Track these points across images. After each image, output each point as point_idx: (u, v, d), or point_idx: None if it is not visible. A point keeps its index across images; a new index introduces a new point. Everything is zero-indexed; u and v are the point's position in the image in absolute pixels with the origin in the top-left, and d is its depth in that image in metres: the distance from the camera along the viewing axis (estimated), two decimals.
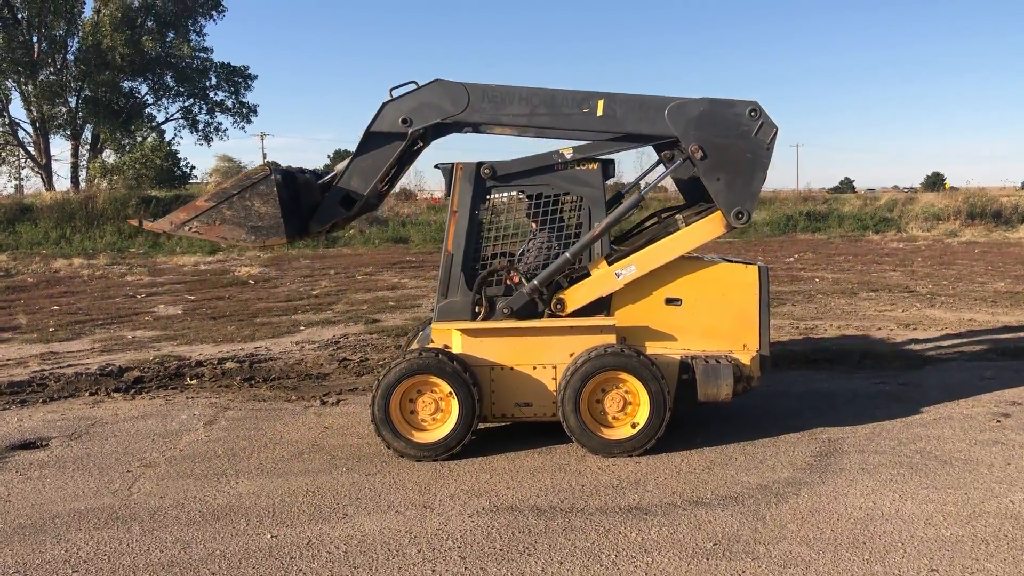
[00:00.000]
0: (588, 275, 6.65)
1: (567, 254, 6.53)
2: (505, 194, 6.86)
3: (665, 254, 6.64)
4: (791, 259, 22.29)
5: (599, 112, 6.64)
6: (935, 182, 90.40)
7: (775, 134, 6.52)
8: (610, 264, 6.62)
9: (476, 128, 6.87)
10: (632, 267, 6.59)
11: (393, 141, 6.69)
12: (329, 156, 59.08)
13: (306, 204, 6.74)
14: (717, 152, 6.52)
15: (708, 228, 6.68)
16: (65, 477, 6.14)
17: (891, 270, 19.49)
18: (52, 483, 6.02)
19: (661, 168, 7.00)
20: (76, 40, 42.04)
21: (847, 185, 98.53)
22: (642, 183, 6.96)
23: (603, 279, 6.60)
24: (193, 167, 44.65)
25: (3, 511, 5.50)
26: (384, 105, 6.64)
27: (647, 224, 7.47)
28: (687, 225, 6.76)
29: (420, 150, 7.17)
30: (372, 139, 6.70)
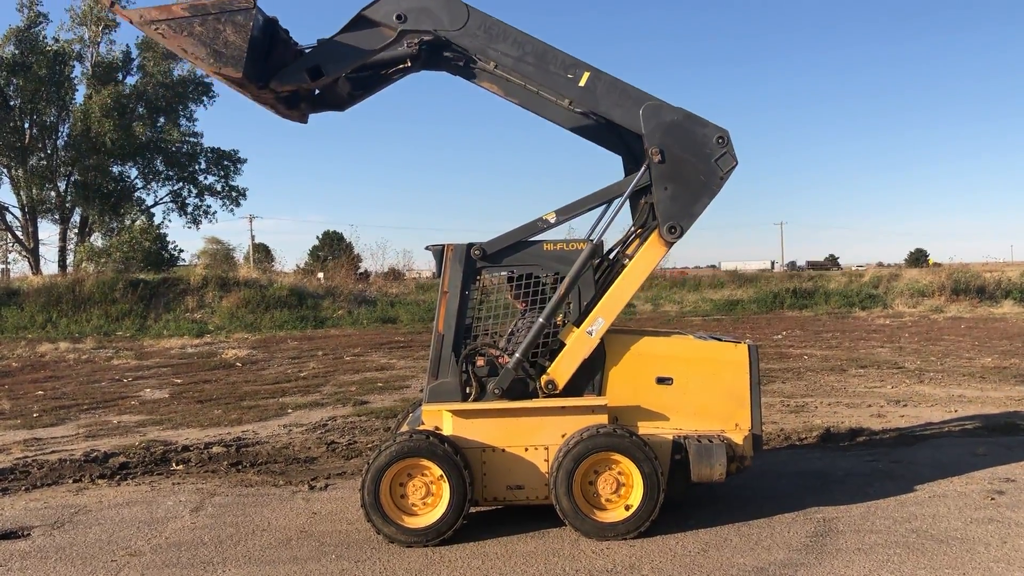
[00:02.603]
0: (564, 346, 6.64)
1: (540, 319, 6.52)
2: (496, 274, 6.89)
3: (623, 295, 6.68)
4: (779, 336, 22.38)
5: (581, 82, 6.71)
6: (918, 258, 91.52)
7: (733, 167, 6.60)
8: (579, 326, 6.62)
9: (464, 67, 6.89)
10: (600, 320, 6.59)
11: (382, 31, 6.64)
12: (318, 237, 59.40)
13: (276, 60, 6.62)
14: (674, 162, 6.58)
15: (650, 254, 6.72)
16: (47, 568, 5.99)
17: (879, 346, 19.59)
18: (33, 575, 5.87)
19: (607, 216, 7.03)
20: (67, 126, 42.54)
21: (832, 262, 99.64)
22: (595, 232, 6.99)
23: (578, 343, 6.58)
24: (181, 250, 44.65)
25: None
26: None
27: (597, 276, 7.36)
28: (630, 260, 6.80)
29: (405, 71, 7.11)
30: (361, 22, 6.65)
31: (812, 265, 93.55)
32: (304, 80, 6.67)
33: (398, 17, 6.60)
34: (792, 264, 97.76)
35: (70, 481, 8.47)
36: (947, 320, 27.34)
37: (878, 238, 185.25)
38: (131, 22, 6.39)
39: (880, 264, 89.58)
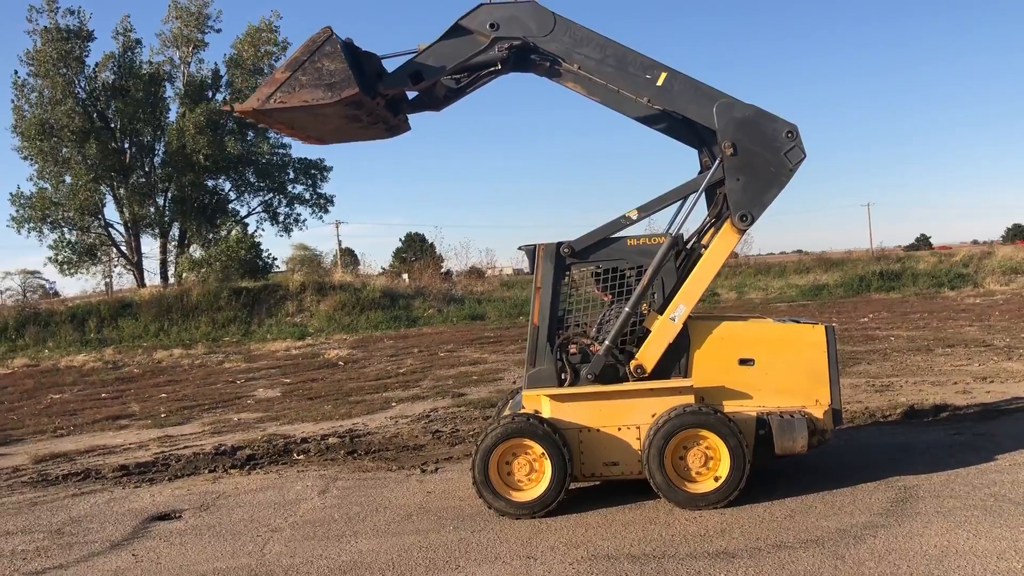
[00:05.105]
0: (649, 332, 7.18)
1: (626, 308, 7.08)
2: (587, 269, 7.47)
3: (702, 281, 7.18)
4: (865, 319, 22.37)
5: (659, 82, 7.24)
6: (1016, 234, 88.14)
7: (801, 160, 7.07)
8: (662, 313, 7.15)
9: (550, 69, 7.38)
10: (681, 306, 7.10)
11: (476, 38, 7.28)
12: (400, 239, 60.85)
13: (369, 71, 7.23)
14: (746, 155, 7.08)
15: (725, 241, 7.20)
16: (203, 542, 6.84)
17: (967, 325, 19.47)
18: (193, 548, 6.72)
19: (685, 210, 7.54)
20: (163, 144, 44.67)
21: (923, 242, 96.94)
22: (673, 225, 7.50)
23: (662, 329, 7.11)
24: (274, 257, 46.39)
25: (157, 571, 6.22)
26: (480, 5, 7.28)
27: (678, 265, 7.62)
28: (706, 249, 7.29)
29: (495, 73, 7.60)
30: (458, 31, 7.29)
31: None
32: (407, 84, 7.36)
33: (491, 25, 7.25)
34: None
35: (206, 472, 9.39)
36: None
37: (975, 215, 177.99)
38: (253, 111, 6.94)
39: (975, 242, 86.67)
